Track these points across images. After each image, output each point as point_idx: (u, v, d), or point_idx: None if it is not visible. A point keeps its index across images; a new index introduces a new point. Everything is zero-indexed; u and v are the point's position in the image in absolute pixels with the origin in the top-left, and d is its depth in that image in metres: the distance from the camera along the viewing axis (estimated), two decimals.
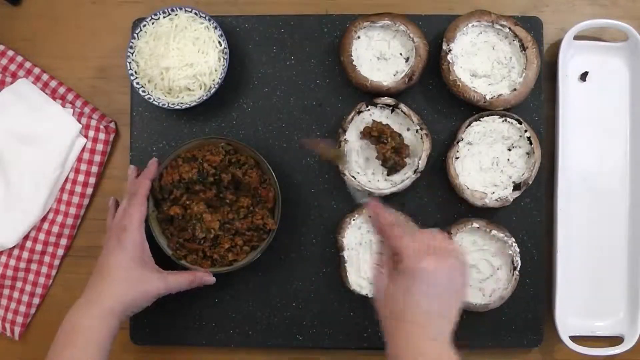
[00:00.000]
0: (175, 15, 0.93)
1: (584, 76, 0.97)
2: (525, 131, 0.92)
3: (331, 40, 0.97)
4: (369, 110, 0.93)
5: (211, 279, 0.90)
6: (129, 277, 0.83)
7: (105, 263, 0.84)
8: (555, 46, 0.96)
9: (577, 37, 0.95)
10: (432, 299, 0.70)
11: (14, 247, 0.97)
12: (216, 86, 0.92)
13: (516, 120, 0.92)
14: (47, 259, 0.98)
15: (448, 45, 0.92)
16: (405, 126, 0.93)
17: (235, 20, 0.98)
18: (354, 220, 0.92)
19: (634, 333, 0.92)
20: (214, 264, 0.91)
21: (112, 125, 0.99)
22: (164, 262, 0.90)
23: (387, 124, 0.92)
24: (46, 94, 0.98)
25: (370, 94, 0.93)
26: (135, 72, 0.93)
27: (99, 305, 0.81)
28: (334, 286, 0.94)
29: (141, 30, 0.93)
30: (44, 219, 0.98)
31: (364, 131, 0.92)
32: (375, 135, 0.91)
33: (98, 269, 0.85)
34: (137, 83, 0.93)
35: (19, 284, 0.98)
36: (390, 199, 0.94)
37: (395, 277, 0.71)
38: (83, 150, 0.97)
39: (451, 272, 0.71)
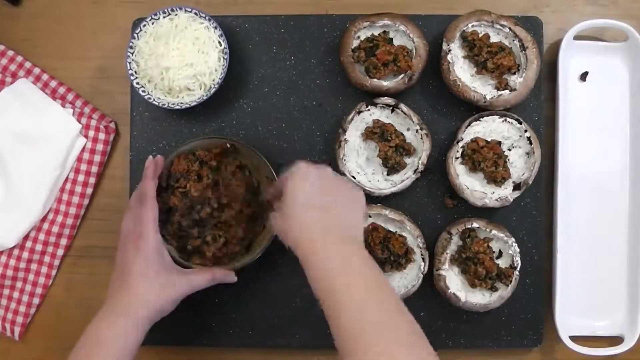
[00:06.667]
0: (175, 15, 0.93)
1: (584, 76, 0.97)
2: (525, 131, 0.92)
3: (331, 40, 0.97)
4: (369, 110, 0.93)
5: (233, 278, 0.88)
6: (154, 285, 0.81)
7: (127, 271, 0.81)
8: (555, 46, 0.96)
9: (577, 37, 0.95)
10: (311, 193, 0.76)
11: (14, 247, 0.97)
12: (216, 86, 0.92)
13: (516, 120, 0.92)
14: (47, 259, 0.98)
15: (448, 45, 0.92)
16: (405, 126, 0.93)
17: (235, 20, 0.98)
18: None
19: (634, 333, 0.92)
20: (232, 258, 0.91)
21: (112, 125, 0.99)
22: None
23: (389, 123, 0.92)
24: (46, 94, 0.98)
25: (370, 94, 0.93)
26: (135, 72, 0.93)
27: (126, 316, 0.79)
28: None
29: (141, 30, 0.93)
30: (44, 219, 0.98)
31: (366, 131, 0.92)
32: (378, 132, 0.91)
33: (120, 277, 0.82)
34: (137, 83, 0.93)
35: (19, 284, 0.98)
36: (390, 199, 0.94)
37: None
38: (83, 150, 0.97)
39: (315, 173, 0.78)
